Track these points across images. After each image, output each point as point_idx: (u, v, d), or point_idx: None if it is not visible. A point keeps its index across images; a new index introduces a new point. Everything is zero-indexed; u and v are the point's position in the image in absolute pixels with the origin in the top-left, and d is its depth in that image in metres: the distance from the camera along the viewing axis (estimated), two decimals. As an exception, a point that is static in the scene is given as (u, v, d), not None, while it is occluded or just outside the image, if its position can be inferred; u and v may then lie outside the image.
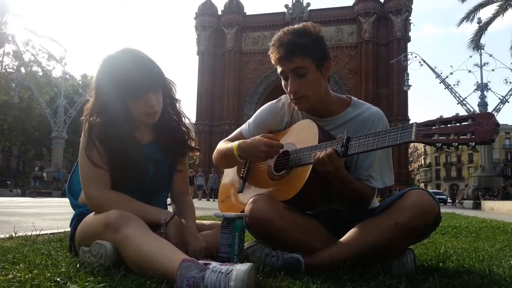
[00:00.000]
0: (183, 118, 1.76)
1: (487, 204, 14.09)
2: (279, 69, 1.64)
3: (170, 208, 1.69)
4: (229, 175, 1.94)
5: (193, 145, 1.78)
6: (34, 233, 2.50)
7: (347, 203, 1.65)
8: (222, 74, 41.16)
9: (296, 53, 1.57)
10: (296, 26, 1.64)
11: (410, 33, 39.07)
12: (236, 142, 1.69)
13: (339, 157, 1.42)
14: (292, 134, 1.73)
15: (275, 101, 1.85)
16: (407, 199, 1.45)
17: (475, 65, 18.92)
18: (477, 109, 18.68)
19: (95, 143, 1.52)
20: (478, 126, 1.13)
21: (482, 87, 18.87)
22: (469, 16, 19.61)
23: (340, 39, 39.48)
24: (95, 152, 1.52)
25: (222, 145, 1.83)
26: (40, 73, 28.47)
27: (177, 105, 1.73)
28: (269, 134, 1.82)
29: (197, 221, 1.71)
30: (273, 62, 1.65)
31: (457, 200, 23.83)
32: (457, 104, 19.55)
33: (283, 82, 1.66)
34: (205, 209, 7.02)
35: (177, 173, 1.74)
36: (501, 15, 19.30)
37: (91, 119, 1.56)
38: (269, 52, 1.65)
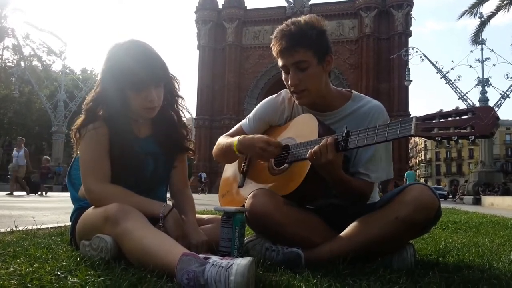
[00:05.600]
0: (182, 117, 1.75)
1: (487, 200, 14.09)
2: (280, 63, 1.63)
3: (169, 203, 1.69)
4: (230, 169, 1.94)
5: (189, 146, 1.77)
6: (34, 227, 2.51)
7: (345, 199, 1.65)
8: (223, 68, 41.03)
9: (298, 45, 1.56)
10: (299, 18, 1.63)
11: (412, 28, 38.86)
12: (237, 137, 1.69)
13: (338, 151, 1.42)
14: (292, 128, 1.73)
15: (275, 95, 1.84)
16: (407, 193, 1.45)
17: (476, 60, 18.86)
18: (478, 104, 18.64)
19: (98, 130, 1.52)
20: (478, 120, 1.13)
21: (483, 82, 18.81)
22: (471, 10, 19.49)
23: (341, 33, 39.30)
24: (97, 139, 1.52)
25: (223, 140, 1.83)
26: (40, 67, 28.46)
27: (179, 101, 1.72)
28: (269, 128, 1.83)
29: (196, 215, 1.71)
30: (274, 54, 1.64)
31: (457, 196, 23.82)
32: (458, 99, 19.52)
33: (283, 76, 1.66)
34: (205, 204, 7.03)
35: (175, 167, 1.74)
36: (502, 10, 19.21)
37: (95, 109, 1.56)
38: (271, 45, 1.64)
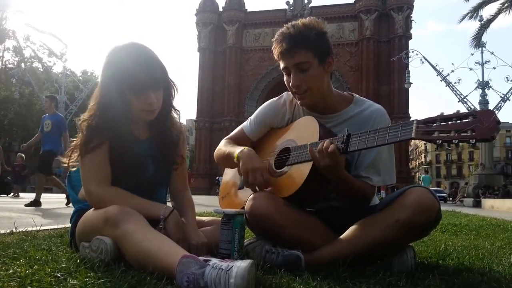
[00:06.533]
0: (176, 124, 1.72)
1: (487, 202, 14.04)
2: (281, 65, 1.63)
3: (169, 205, 1.69)
4: (230, 172, 1.94)
5: (177, 160, 1.73)
6: (34, 228, 2.51)
7: (347, 201, 1.65)
8: (223, 71, 41.11)
9: (299, 46, 1.56)
10: (299, 20, 1.64)
11: (412, 30, 39.05)
12: (241, 149, 1.66)
13: (340, 154, 1.42)
14: (293, 131, 1.73)
15: (276, 98, 1.85)
16: (407, 196, 1.45)
17: (476, 63, 18.87)
18: (478, 107, 18.66)
19: (96, 137, 1.52)
20: (478, 124, 1.13)
21: (483, 85, 18.81)
22: (472, 14, 19.51)
23: (341, 36, 39.40)
24: (96, 146, 1.52)
25: (225, 146, 1.81)
26: (41, 69, 28.50)
27: (174, 113, 1.70)
28: (270, 131, 1.82)
29: (196, 217, 1.71)
30: (276, 57, 1.64)
31: (458, 198, 23.76)
32: (458, 101, 19.53)
33: (285, 78, 1.66)
34: (205, 205, 7.03)
35: (175, 169, 1.74)
36: (503, 13, 19.23)
37: (92, 113, 1.56)
38: (272, 47, 1.64)
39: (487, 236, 3.18)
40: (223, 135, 1.94)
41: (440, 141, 1.19)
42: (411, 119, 1.28)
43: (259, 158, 1.64)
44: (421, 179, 17.83)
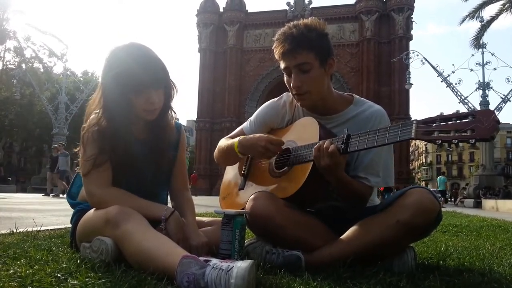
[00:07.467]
0: (170, 125, 1.71)
1: (488, 203, 14.03)
2: (282, 65, 1.63)
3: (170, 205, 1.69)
4: (231, 172, 1.94)
5: (177, 159, 1.75)
6: (35, 229, 2.51)
7: (345, 202, 1.65)
8: (224, 71, 41.10)
9: (301, 47, 1.56)
10: (301, 21, 1.63)
11: (413, 32, 38.95)
12: (237, 138, 1.70)
13: (340, 154, 1.42)
14: (293, 131, 1.73)
15: (276, 98, 1.85)
16: (408, 197, 1.45)
17: (477, 64, 18.85)
18: (478, 108, 18.63)
19: (96, 140, 1.52)
20: (478, 123, 1.13)
21: (484, 86, 18.79)
22: (473, 14, 19.50)
23: (341, 37, 39.37)
24: (96, 149, 1.52)
25: (224, 142, 1.83)
26: (41, 70, 28.49)
27: (170, 112, 1.70)
28: (270, 131, 1.83)
29: (196, 218, 1.71)
30: (276, 57, 1.64)
31: (458, 199, 23.70)
32: (459, 103, 19.51)
33: (285, 78, 1.66)
34: (206, 206, 7.03)
35: (175, 169, 1.74)
36: (504, 13, 19.22)
37: (93, 116, 1.56)
38: (273, 47, 1.64)
39: (488, 236, 3.18)
40: (223, 136, 1.94)
41: (440, 141, 1.19)
42: (411, 120, 1.28)
43: (255, 135, 1.66)
44: (437, 180, 19.71)
